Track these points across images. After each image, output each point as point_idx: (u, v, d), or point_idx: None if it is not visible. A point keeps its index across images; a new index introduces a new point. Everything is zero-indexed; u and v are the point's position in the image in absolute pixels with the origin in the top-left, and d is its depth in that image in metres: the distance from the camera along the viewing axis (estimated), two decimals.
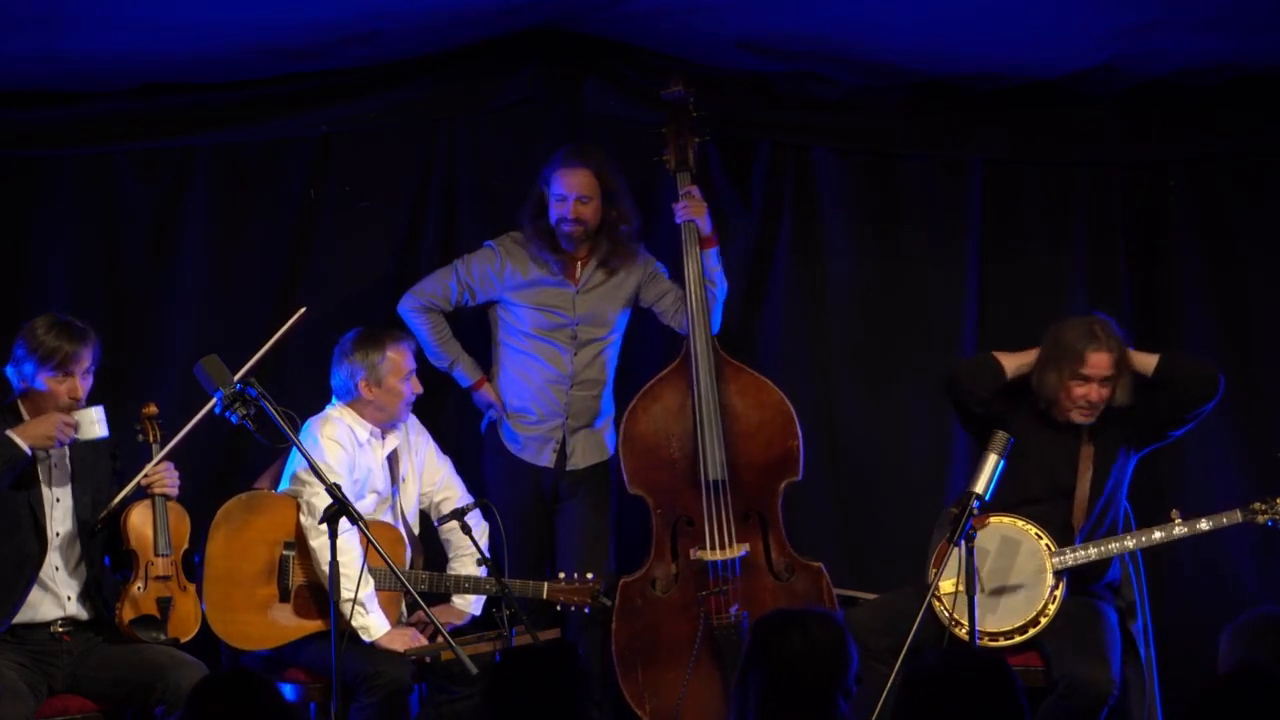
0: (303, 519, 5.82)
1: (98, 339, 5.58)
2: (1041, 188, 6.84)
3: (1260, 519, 5.78)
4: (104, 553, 5.65)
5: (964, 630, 5.54)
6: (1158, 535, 5.75)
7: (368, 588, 5.76)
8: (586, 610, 6.02)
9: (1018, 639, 5.71)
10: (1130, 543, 5.74)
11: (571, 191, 6.27)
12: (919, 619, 5.29)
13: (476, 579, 5.91)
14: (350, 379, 5.95)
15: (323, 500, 5.64)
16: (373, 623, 5.77)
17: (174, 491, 5.63)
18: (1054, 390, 5.82)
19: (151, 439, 5.66)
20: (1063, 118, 6.72)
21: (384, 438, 6.00)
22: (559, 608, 6.03)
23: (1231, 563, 6.73)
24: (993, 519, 5.71)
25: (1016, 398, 5.95)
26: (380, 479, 5.99)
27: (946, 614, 5.64)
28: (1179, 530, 5.74)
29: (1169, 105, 6.66)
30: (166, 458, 5.63)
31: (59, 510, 5.56)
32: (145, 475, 5.59)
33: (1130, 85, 6.58)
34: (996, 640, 5.69)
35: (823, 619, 4.03)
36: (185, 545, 5.70)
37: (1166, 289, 6.84)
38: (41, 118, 6.37)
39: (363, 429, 5.95)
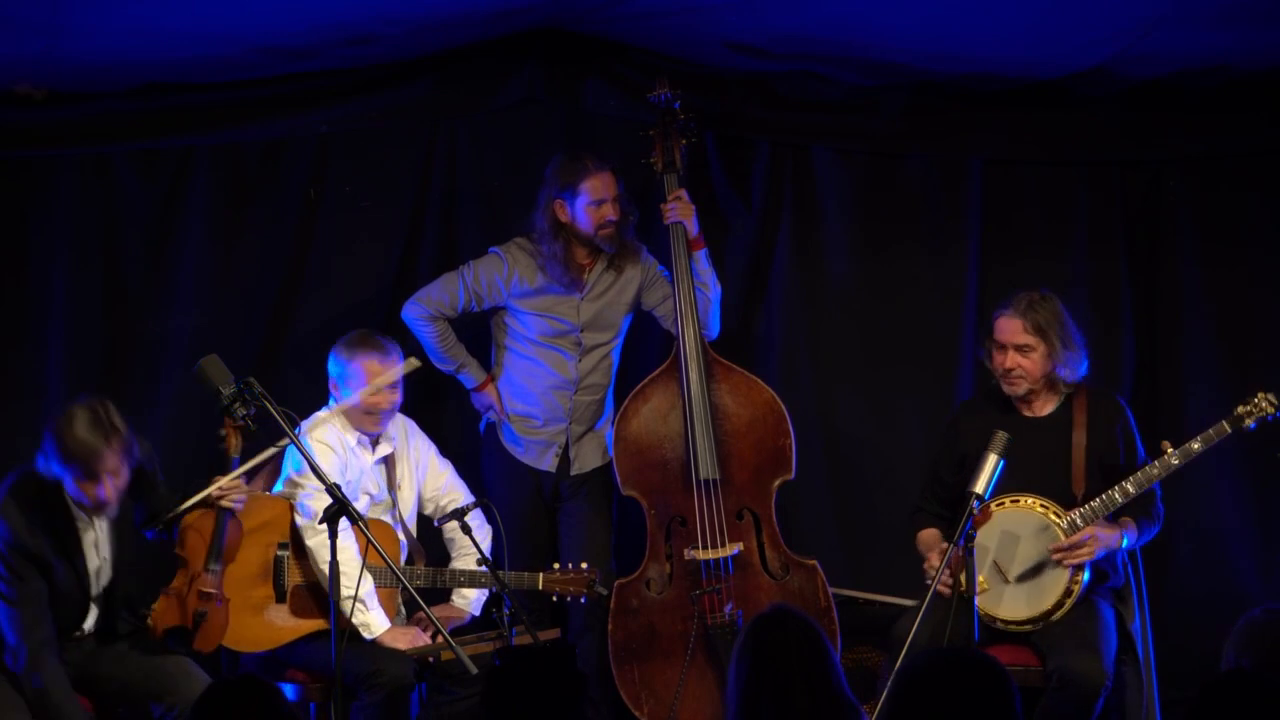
0: (298, 519, 5.82)
1: (131, 433, 5.40)
2: (1041, 188, 6.84)
3: (1246, 422, 5.74)
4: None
5: (999, 624, 5.63)
6: (1155, 471, 5.71)
7: (367, 585, 5.76)
8: (583, 600, 6.04)
9: (1059, 613, 5.70)
10: (1131, 487, 5.71)
11: (609, 193, 6.28)
12: (918, 619, 5.29)
13: (473, 573, 5.92)
14: (330, 382, 5.98)
15: (316, 501, 5.68)
16: (373, 620, 5.78)
17: (240, 508, 5.59)
18: (990, 361, 5.89)
19: (231, 449, 5.56)
20: (1063, 118, 6.72)
21: (373, 446, 6.00)
22: (554, 598, 6.04)
23: (1232, 562, 6.73)
24: (994, 506, 5.70)
25: (989, 404, 5.97)
26: (373, 482, 5.99)
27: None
28: (1175, 460, 5.70)
29: (1169, 105, 6.65)
30: (243, 474, 5.56)
31: (103, 573, 5.53)
32: (220, 487, 5.53)
33: (1130, 85, 6.58)
34: (1037, 625, 5.70)
35: (799, 615, 4.07)
36: (234, 560, 5.67)
37: (1166, 290, 6.84)
38: (41, 118, 6.38)
39: (350, 434, 5.96)
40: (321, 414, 5.98)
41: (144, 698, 5.49)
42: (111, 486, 5.35)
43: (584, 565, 6.00)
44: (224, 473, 5.54)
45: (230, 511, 5.56)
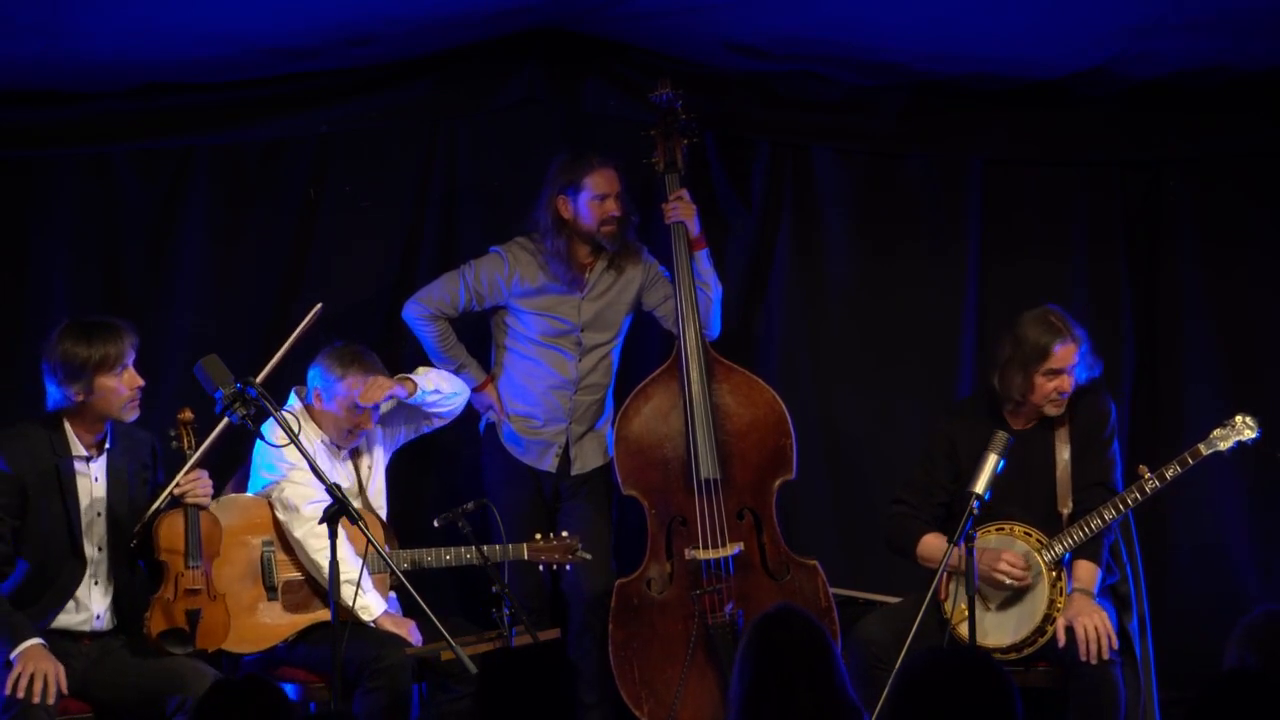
0: (279, 515, 5.82)
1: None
2: (1041, 189, 6.85)
3: (1223, 445, 5.75)
4: (134, 561, 5.60)
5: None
6: (1133, 498, 5.72)
7: (359, 567, 5.74)
8: (569, 568, 6.09)
9: (1040, 641, 5.69)
10: (1109, 514, 5.71)
11: (612, 189, 6.29)
12: (915, 626, 5.29)
13: (458, 551, 5.91)
14: (310, 382, 5.98)
15: (295, 492, 5.72)
16: (372, 601, 5.78)
17: (207, 501, 5.55)
18: (1022, 390, 5.80)
19: (186, 446, 5.54)
20: (1063, 118, 6.73)
21: (340, 448, 6.02)
22: (540, 568, 6.09)
23: (1231, 562, 6.74)
24: (979, 534, 5.67)
25: (967, 417, 5.95)
26: (344, 476, 5.99)
27: (965, 640, 5.56)
28: (1152, 485, 5.71)
29: (1169, 106, 6.66)
30: (198, 464, 5.53)
31: (97, 525, 5.51)
32: (177, 484, 5.51)
33: (1130, 85, 6.59)
34: (1022, 651, 5.69)
35: (803, 615, 4.08)
36: (218, 554, 5.65)
37: (1165, 290, 6.85)
38: (42, 118, 6.38)
39: (314, 430, 5.97)
40: (286, 412, 5.97)
41: (157, 695, 5.43)
42: (135, 373, 5.44)
43: (564, 534, 6.03)
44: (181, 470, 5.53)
45: (197, 507, 5.52)
